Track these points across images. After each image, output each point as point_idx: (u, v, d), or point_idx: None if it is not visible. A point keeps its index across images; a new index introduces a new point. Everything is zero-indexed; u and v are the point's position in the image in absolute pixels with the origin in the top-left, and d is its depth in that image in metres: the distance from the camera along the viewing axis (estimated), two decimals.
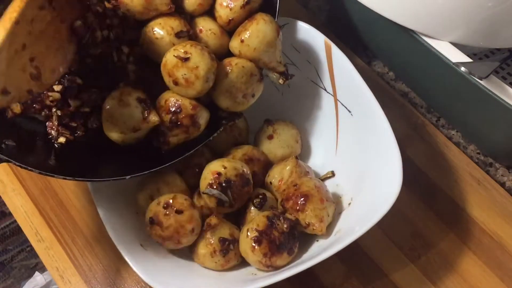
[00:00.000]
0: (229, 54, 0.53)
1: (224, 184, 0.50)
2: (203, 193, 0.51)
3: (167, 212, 0.48)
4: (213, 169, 0.50)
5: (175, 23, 0.50)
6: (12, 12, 0.38)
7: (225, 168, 0.50)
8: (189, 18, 0.54)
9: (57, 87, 0.48)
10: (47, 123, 0.49)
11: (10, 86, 0.39)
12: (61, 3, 0.44)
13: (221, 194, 0.50)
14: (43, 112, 0.49)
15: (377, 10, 0.55)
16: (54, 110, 0.49)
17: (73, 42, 0.47)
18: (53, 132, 0.49)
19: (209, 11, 0.54)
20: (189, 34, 0.51)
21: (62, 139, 0.49)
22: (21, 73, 0.40)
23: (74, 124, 0.50)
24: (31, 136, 0.49)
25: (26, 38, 0.40)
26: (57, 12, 0.43)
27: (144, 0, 0.49)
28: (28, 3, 0.39)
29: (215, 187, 0.50)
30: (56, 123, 0.49)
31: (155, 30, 0.50)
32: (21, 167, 0.44)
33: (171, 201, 0.49)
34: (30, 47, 0.40)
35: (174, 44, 0.49)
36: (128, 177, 0.48)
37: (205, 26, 0.53)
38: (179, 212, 0.48)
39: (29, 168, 0.44)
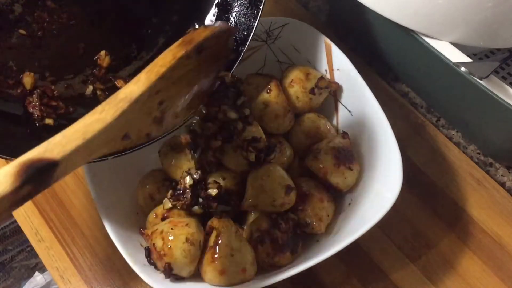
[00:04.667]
0: None
1: (226, 196, 0.50)
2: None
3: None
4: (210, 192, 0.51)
5: None
6: (162, 66, 0.37)
7: (222, 180, 0.51)
8: None
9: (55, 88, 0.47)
10: (26, 101, 0.45)
11: (133, 131, 0.37)
12: (207, 55, 0.42)
13: (225, 207, 0.50)
14: (18, 89, 0.46)
15: (377, 10, 0.55)
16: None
17: (202, 93, 0.45)
18: (35, 111, 0.45)
19: None
20: None
21: (49, 121, 0.45)
22: (146, 116, 0.39)
23: (54, 103, 0.46)
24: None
25: (163, 84, 0.38)
26: (199, 62, 0.42)
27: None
28: (179, 61, 0.38)
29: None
30: (38, 102, 0.45)
31: None
32: None
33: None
34: (163, 92, 0.39)
35: None
36: (111, 157, 0.44)
37: None
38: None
39: (5, 156, 0.40)
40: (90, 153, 0.33)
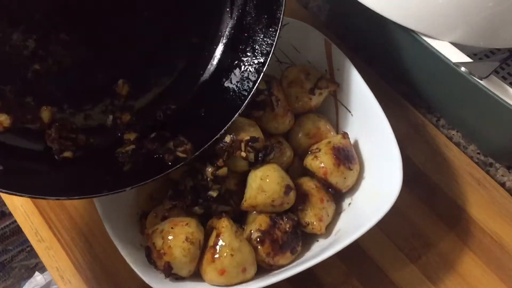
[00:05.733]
0: None
1: (226, 196, 0.51)
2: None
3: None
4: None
5: None
6: None
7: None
8: None
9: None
10: (46, 134, 0.46)
11: None
12: None
13: (225, 207, 0.50)
14: (37, 123, 0.46)
15: (377, 10, 0.55)
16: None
17: None
18: (54, 145, 0.45)
19: None
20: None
21: (68, 154, 0.46)
22: None
23: (73, 136, 0.47)
24: (20, 154, 0.44)
25: None
26: None
27: None
28: None
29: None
30: (57, 135, 0.46)
31: None
32: (15, 195, 0.40)
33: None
34: None
35: None
36: (128, 188, 0.46)
37: None
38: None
39: (27, 195, 0.40)
40: None
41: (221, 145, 0.49)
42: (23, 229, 0.59)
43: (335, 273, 0.55)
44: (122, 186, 0.45)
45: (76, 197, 0.43)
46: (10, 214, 0.98)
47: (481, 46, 0.55)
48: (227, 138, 0.49)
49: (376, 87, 0.56)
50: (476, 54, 0.67)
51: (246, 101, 0.50)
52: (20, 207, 0.60)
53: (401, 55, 0.63)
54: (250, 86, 0.50)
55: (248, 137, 0.50)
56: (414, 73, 0.65)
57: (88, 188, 0.44)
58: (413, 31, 0.54)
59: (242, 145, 0.50)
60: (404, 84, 0.69)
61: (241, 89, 0.51)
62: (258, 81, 0.50)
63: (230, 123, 0.49)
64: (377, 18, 0.55)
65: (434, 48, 0.53)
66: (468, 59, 0.52)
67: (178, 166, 0.48)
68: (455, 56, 0.53)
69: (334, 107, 0.60)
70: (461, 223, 0.58)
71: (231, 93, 0.52)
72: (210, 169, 0.49)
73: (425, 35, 0.54)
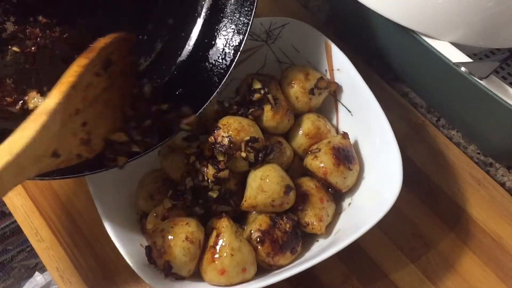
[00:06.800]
0: None
1: (226, 196, 0.51)
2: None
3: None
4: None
5: None
6: (69, 76, 0.39)
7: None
8: None
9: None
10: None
11: (61, 149, 0.39)
12: (116, 72, 0.44)
13: (225, 207, 0.51)
14: (17, 106, 0.47)
15: (377, 10, 0.55)
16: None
17: (124, 112, 0.47)
18: None
19: None
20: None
21: None
22: (72, 137, 0.40)
23: None
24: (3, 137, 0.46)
25: (80, 103, 0.40)
26: (112, 80, 0.44)
27: None
28: (85, 68, 0.40)
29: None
30: None
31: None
32: None
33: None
34: (83, 112, 0.41)
35: None
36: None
37: None
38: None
39: None
40: (22, 170, 0.35)
41: (220, 148, 0.49)
42: (23, 229, 0.59)
43: (335, 273, 0.55)
44: (103, 166, 0.46)
45: (58, 177, 0.44)
46: (10, 214, 0.98)
47: (481, 46, 0.55)
48: (225, 141, 0.49)
49: (376, 87, 0.56)
50: (476, 54, 0.67)
51: (223, 80, 0.50)
52: (20, 207, 0.60)
53: (401, 55, 0.63)
54: (228, 65, 0.51)
55: (248, 137, 0.50)
56: (414, 73, 0.65)
57: (70, 168, 0.44)
58: (413, 31, 0.54)
59: (242, 145, 0.50)
60: (404, 84, 0.69)
61: (219, 67, 0.51)
62: (235, 60, 0.50)
63: (208, 102, 0.50)
64: (377, 18, 0.55)
65: (434, 48, 0.53)
66: (468, 59, 0.52)
67: (159, 145, 0.48)
68: (455, 56, 0.53)
69: (334, 107, 0.60)
70: (461, 223, 0.58)
71: (209, 72, 0.52)
72: (211, 171, 0.49)
73: (425, 35, 0.54)
